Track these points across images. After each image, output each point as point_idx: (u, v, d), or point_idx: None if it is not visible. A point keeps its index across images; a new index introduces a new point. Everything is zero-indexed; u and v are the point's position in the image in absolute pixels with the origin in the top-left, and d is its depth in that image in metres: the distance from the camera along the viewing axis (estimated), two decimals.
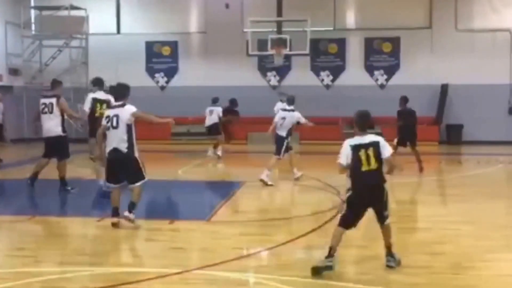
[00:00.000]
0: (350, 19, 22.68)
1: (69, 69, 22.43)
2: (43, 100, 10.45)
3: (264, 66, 22.47)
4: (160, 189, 11.39)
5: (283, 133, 11.96)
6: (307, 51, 19.31)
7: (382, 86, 22.14)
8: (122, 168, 7.69)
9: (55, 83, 10.71)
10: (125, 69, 21.92)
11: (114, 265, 6.31)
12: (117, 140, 7.65)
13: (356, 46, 22.40)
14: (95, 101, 11.26)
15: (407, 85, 20.62)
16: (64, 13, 21.90)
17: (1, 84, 21.51)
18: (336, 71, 22.38)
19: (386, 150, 5.75)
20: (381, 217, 5.85)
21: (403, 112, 13.47)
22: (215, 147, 16.49)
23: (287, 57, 20.69)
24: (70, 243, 7.11)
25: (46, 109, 10.37)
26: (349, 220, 5.77)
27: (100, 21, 22.70)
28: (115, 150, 7.67)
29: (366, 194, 5.73)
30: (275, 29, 19.73)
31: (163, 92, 23.09)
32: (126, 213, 7.64)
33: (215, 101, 16.89)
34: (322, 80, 22.44)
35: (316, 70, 22.49)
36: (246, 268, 6.02)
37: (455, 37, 21.45)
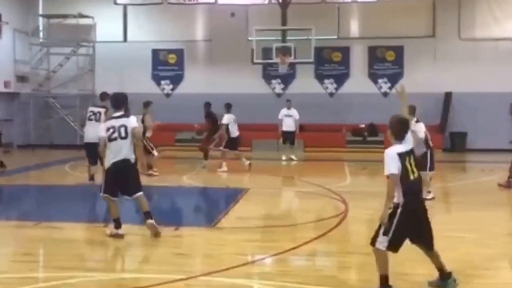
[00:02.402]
0: (354, 28, 22.77)
1: (76, 77, 22.58)
2: (91, 109, 11.51)
3: (268, 74, 22.55)
4: (165, 196, 11.50)
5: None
6: (311, 59, 19.34)
7: (385, 94, 22.18)
8: (127, 179, 7.45)
9: (104, 95, 11.40)
10: (131, 77, 22.06)
11: (118, 271, 6.39)
12: (125, 150, 7.40)
13: (360, 55, 22.47)
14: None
15: (411, 93, 20.03)
16: (72, 21, 22.07)
17: (9, 91, 21.67)
18: (340, 79, 22.44)
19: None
20: (429, 240, 5.38)
21: None
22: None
23: (292, 65, 20.73)
24: (74, 249, 7.12)
25: (93, 117, 11.37)
26: (398, 240, 5.28)
27: (107, 29, 22.83)
28: (124, 161, 7.41)
29: (420, 203, 5.35)
30: (279, 38, 19.80)
31: (168, 99, 23.15)
32: (150, 221, 7.39)
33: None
34: (326, 88, 22.51)
35: (320, 78, 22.55)
36: (250, 274, 6.07)
37: (458, 46, 21.49)
